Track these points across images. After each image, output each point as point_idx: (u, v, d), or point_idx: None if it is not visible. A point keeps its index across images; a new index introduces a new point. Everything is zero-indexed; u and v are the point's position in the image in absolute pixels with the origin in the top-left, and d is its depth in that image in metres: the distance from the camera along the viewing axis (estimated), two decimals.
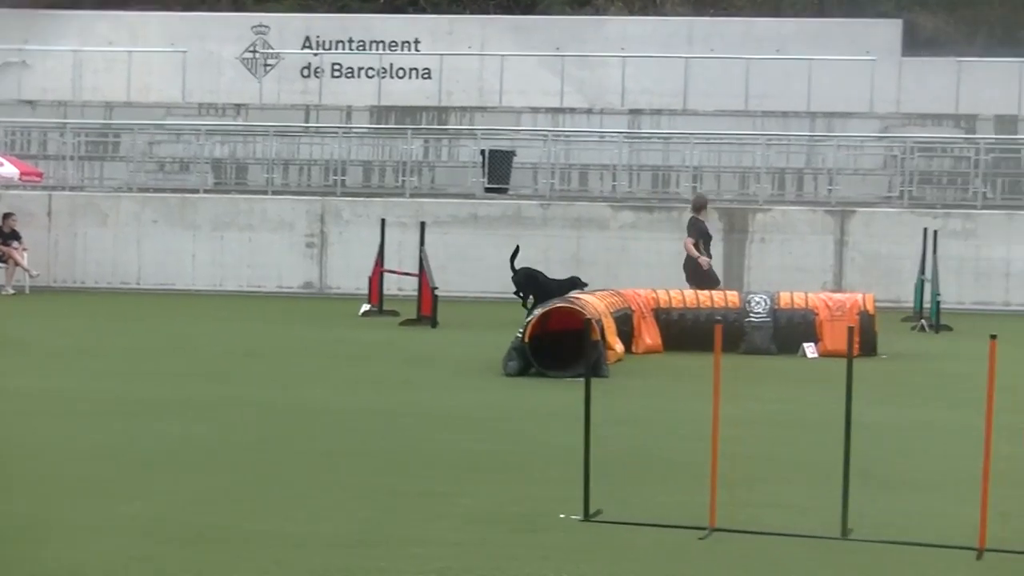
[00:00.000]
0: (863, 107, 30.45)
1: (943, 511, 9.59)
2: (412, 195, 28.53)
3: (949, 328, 22.45)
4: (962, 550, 8.43)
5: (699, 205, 22.89)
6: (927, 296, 23.20)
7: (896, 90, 31.48)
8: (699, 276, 21.92)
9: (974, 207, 27.41)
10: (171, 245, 28.49)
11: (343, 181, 29.16)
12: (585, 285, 21.36)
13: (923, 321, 22.90)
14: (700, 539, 8.62)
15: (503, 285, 27.01)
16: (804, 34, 32.89)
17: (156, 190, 29.80)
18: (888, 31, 33.19)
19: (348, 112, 31.33)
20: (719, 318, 10.65)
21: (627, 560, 8.16)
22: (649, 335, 19.15)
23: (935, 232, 24.10)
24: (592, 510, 9.08)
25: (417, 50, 32.98)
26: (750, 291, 21.37)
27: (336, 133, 29.88)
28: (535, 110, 30.97)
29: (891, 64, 31.66)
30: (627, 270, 26.44)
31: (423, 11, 35.88)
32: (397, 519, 9.05)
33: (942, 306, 22.94)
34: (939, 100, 31.05)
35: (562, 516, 9.11)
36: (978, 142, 28.63)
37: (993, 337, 8.71)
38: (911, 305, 24.39)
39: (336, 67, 32.97)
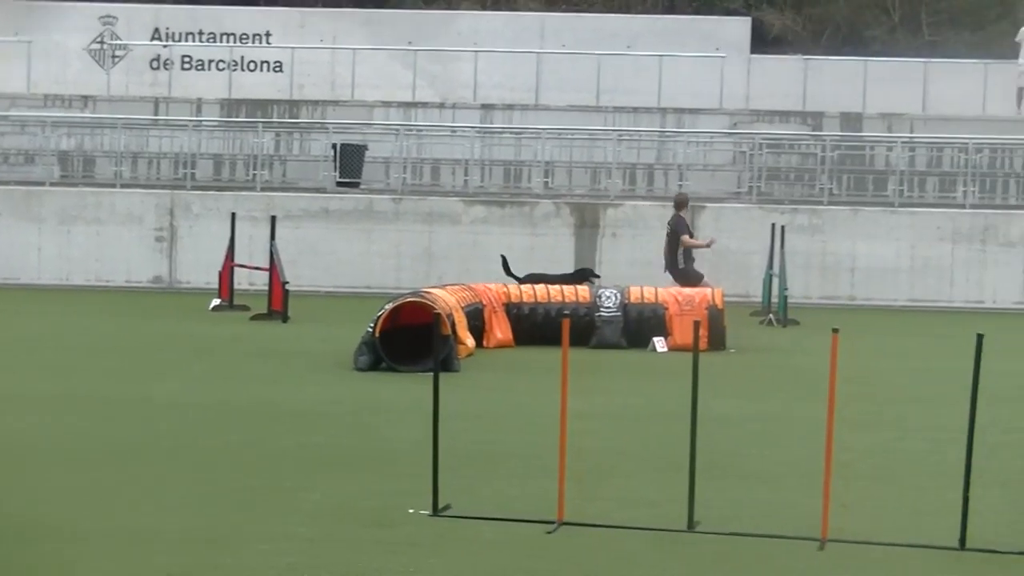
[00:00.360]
0: (712, 103, 30.78)
1: (787, 502, 9.74)
2: (263, 189, 28.29)
3: (796, 322, 22.77)
4: (805, 540, 8.57)
5: (682, 202, 23.08)
6: (775, 291, 23.53)
7: (745, 87, 31.86)
8: (689, 277, 22.01)
9: (820, 203, 27.83)
10: (16, 238, 27.95)
11: (193, 174, 28.84)
12: (596, 276, 21.50)
13: (771, 315, 23.20)
14: (548, 533, 8.66)
15: (354, 279, 26.95)
16: (655, 31, 33.14)
17: (0, 182, 29.20)
18: (737, 29, 33.57)
19: (198, 105, 30.95)
20: (567, 312, 10.69)
21: (475, 554, 8.18)
22: (500, 329, 19.19)
23: (783, 227, 24.45)
24: (441, 504, 9.09)
25: (268, 43, 32.70)
26: (601, 286, 21.48)
27: (186, 126, 29.54)
28: (387, 104, 30.85)
29: (740, 61, 32.06)
30: (479, 264, 26.44)
31: (274, 4, 35.53)
32: (245, 515, 8.97)
33: (790, 300, 23.25)
34: (787, 97, 31.50)
35: (411, 511, 9.10)
36: (824, 139, 29.08)
37: (835, 331, 8.86)
38: (760, 300, 24.72)
39: (186, 59, 32.59)
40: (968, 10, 40.70)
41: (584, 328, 19.01)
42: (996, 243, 27.18)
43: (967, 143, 28.54)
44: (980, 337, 8.93)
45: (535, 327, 19.04)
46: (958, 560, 8.36)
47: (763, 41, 37.26)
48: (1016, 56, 32.75)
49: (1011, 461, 11.46)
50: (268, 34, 32.81)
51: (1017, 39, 32.05)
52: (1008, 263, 27.10)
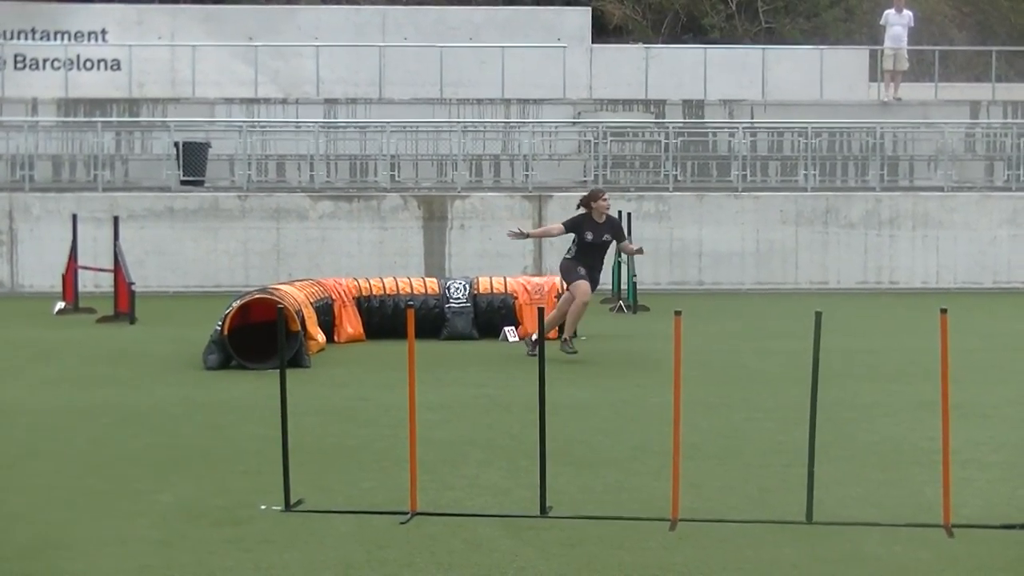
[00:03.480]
0: (556, 93, 30.93)
1: (638, 485, 9.83)
2: (105, 189, 27.84)
3: (646, 308, 22.97)
4: (656, 521, 8.67)
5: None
6: (624, 278, 23.73)
7: (587, 76, 32.09)
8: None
9: (666, 189, 28.09)
10: None
11: (31, 176, 28.29)
12: None
13: (621, 302, 23.39)
14: (402, 524, 8.66)
15: (202, 278, 26.68)
16: (496, 22, 33.25)
17: None
18: (577, 19, 33.78)
19: (33, 104, 30.39)
20: (411, 303, 10.68)
21: (328, 548, 8.15)
22: (351, 324, 19.11)
23: (629, 215, 24.65)
24: (293, 500, 9.04)
25: (105, 40, 32.19)
26: (450, 277, 21.51)
27: (21, 127, 28.97)
28: (229, 101, 30.53)
29: (582, 51, 32.28)
30: (329, 260, 26.36)
31: (110, 0, 34.94)
32: (95, 519, 8.85)
33: (639, 287, 23.50)
34: (629, 86, 31.76)
35: (263, 507, 9.04)
36: (667, 126, 29.36)
37: (678, 313, 8.95)
38: (610, 287, 24.90)
39: (19, 58, 31.93)
40: None
41: (434, 320, 19.07)
42: (837, 225, 27.68)
43: (806, 127, 29.00)
44: (819, 315, 9.10)
45: (385, 320, 19.02)
46: (806, 533, 8.51)
47: (604, 31, 37.60)
48: (878, 41, 33.33)
49: (855, 436, 11.69)
50: (104, 31, 32.30)
51: (882, 22, 32.55)
52: (849, 244, 27.62)
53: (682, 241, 27.47)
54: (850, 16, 41.47)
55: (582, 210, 17.22)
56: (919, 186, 29.10)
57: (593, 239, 16.98)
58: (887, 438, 11.72)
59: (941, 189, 28.41)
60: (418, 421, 9.13)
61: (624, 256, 23.92)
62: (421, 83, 31.01)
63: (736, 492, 9.66)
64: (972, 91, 33.63)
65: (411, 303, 9.65)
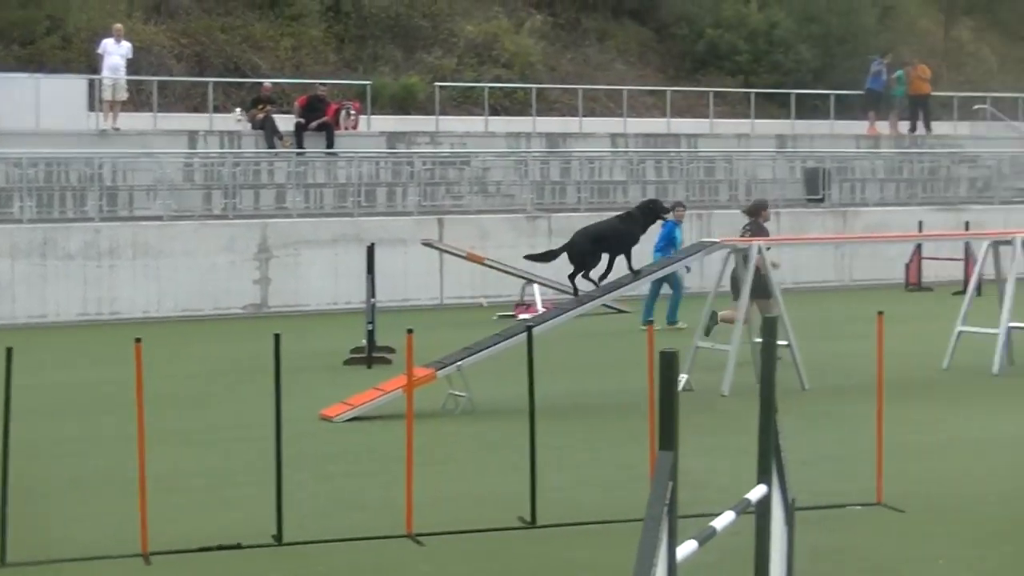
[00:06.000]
0: None
1: None
2: None
3: None
4: None
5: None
6: None
7: None
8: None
9: None
10: None
11: None
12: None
13: None
14: None
15: None
16: None
17: None
18: None
19: None
20: None
21: None
22: None
23: None
24: None
25: None
26: None
27: None
28: None
29: None
30: None
31: None
32: None
33: None
34: None
35: None
36: None
37: None
38: None
39: None
40: (18, 23, 40.54)
41: None
42: (56, 257, 27.20)
43: (22, 158, 28.36)
44: (10, 351, 8.90)
45: None
46: None
47: None
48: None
49: (60, 472, 11.56)
50: None
51: (100, 51, 32.13)
52: (68, 276, 27.17)
53: None
54: (68, 44, 40.87)
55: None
56: (139, 215, 29.14)
57: None
58: (92, 471, 11.65)
59: (160, 218, 28.60)
60: None
61: None
62: None
63: None
64: (190, 121, 34.08)
65: None
